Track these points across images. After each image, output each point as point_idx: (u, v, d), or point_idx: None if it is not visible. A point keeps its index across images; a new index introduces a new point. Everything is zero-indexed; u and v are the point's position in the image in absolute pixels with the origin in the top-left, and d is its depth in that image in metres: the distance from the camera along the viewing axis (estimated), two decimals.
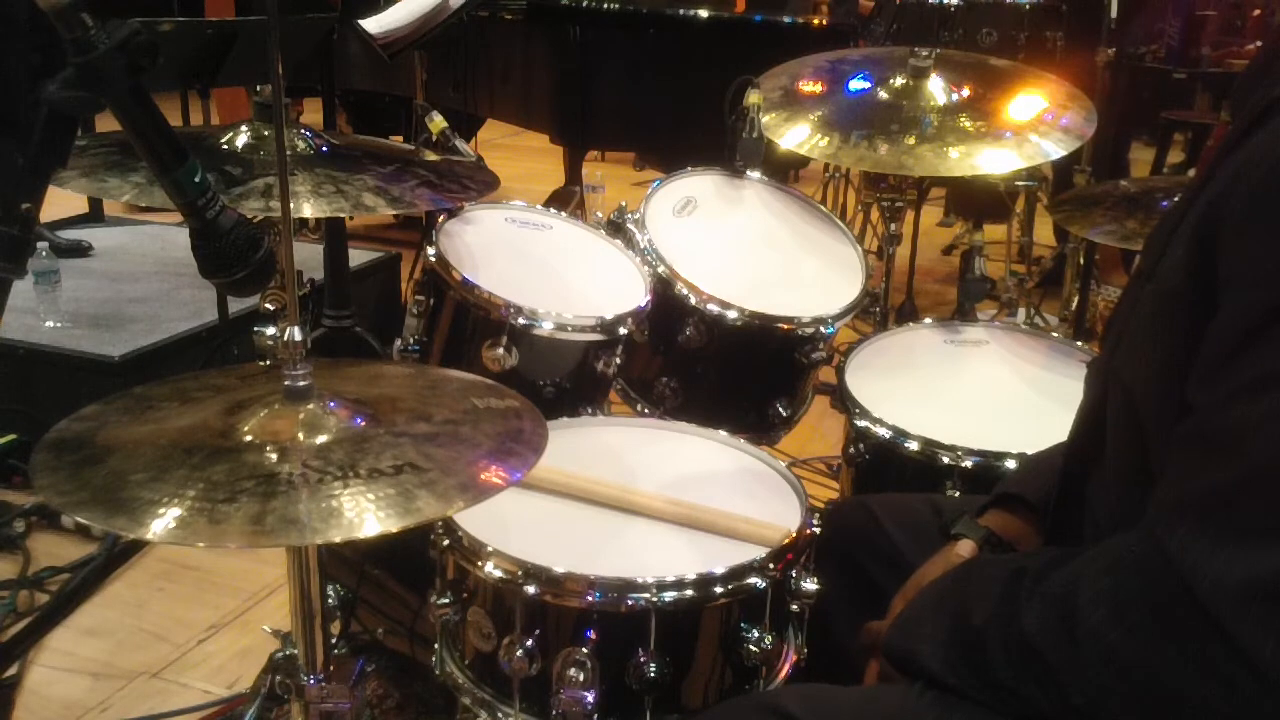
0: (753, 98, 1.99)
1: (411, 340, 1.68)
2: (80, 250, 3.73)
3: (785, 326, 1.78)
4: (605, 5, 3.58)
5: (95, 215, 4.16)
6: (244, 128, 1.56)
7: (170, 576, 2.44)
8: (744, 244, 1.98)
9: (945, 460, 1.56)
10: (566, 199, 3.94)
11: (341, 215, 1.46)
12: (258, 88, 1.61)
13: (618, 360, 1.72)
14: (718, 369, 1.83)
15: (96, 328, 3.01)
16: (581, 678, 1.17)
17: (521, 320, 1.58)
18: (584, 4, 3.57)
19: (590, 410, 1.69)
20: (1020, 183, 3.95)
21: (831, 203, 4.50)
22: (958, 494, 1.53)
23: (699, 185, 2.03)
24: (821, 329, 1.80)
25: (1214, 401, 0.83)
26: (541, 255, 1.81)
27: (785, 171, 4.05)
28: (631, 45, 3.54)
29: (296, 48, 2.80)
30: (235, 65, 2.60)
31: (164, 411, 1.08)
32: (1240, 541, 0.77)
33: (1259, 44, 3.44)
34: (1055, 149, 1.95)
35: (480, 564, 1.22)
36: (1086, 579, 0.88)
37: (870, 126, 2.04)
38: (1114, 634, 0.84)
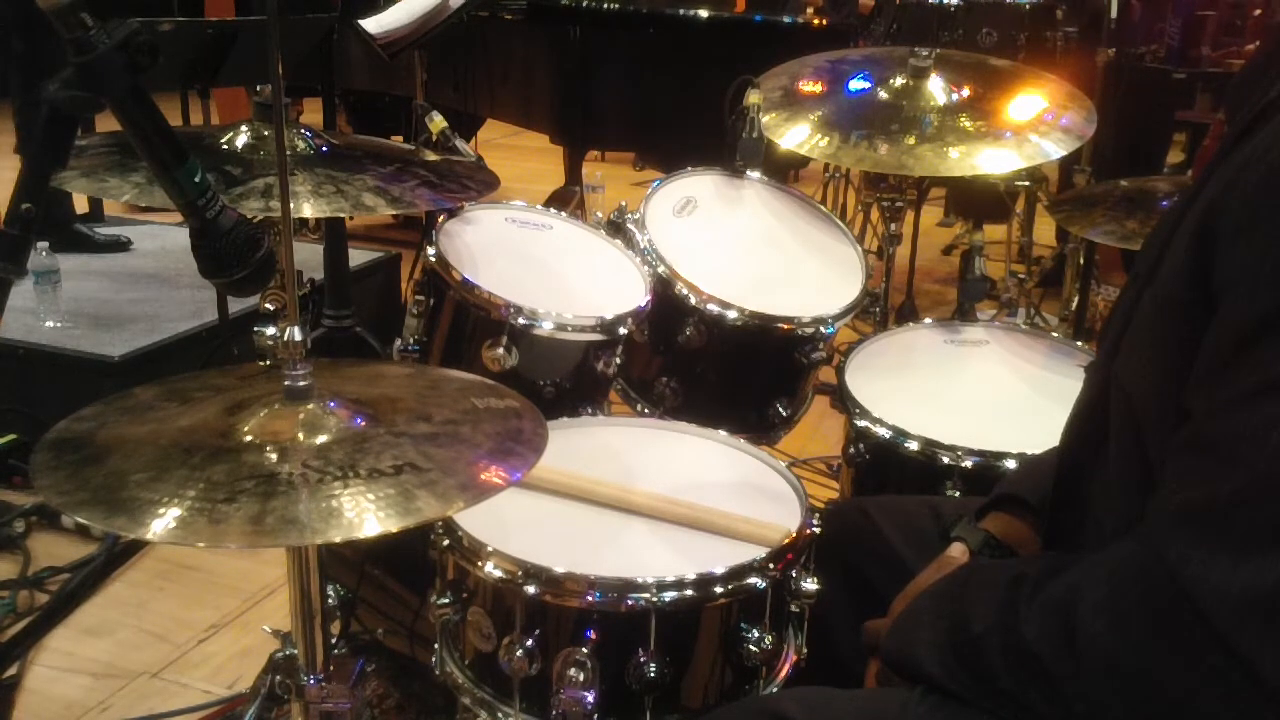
0: (753, 98, 1.99)
1: (411, 340, 1.68)
2: (120, 245, 3.74)
3: (785, 326, 1.78)
4: (605, 5, 3.58)
5: (95, 215, 4.16)
6: (244, 128, 1.56)
7: (170, 576, 2.44)
8: (744, 244, 1.98)
9: (945, 460, 1.56)
10: (566, 199, 3.94)
11: (341, 215, 1.46)
12: (258, 88, 1.61)
13: (618, 360, 1.72)
14: (718, 369, 1.83)
15: (96, 328, 3.01)
16: (581, 678, 1.17)
17: (521, 320, 1.58)
18: (584, 4, 3.57)
19: (590, 410, 1.69)
20: (1020, 183, 3.95)
21: (831, 203, 4.50)
22: (957, 494, 1.53)
23: (699, 185, 2.03)
24: (821, 329, 1.80)
25: (1212, 408, 0.82)
26: (541, 255, 1.81)
27: (785, 171, 4.05)
28: (631, 45, 3.55)
29: (296, 48, 2.80)
30: (235, 65, 2.60)
31: (164, 411, 1.08)
32: (1240, 552, 0.77)
33: (1258, 43, 3.44)
34: (1055, 149, 1.95)
35: (480, 564, 1.22)
36: (1086, 587, 0.87)
37: (870, 126, 2.04)
38: (1114, 643, 0.83)
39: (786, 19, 3.98)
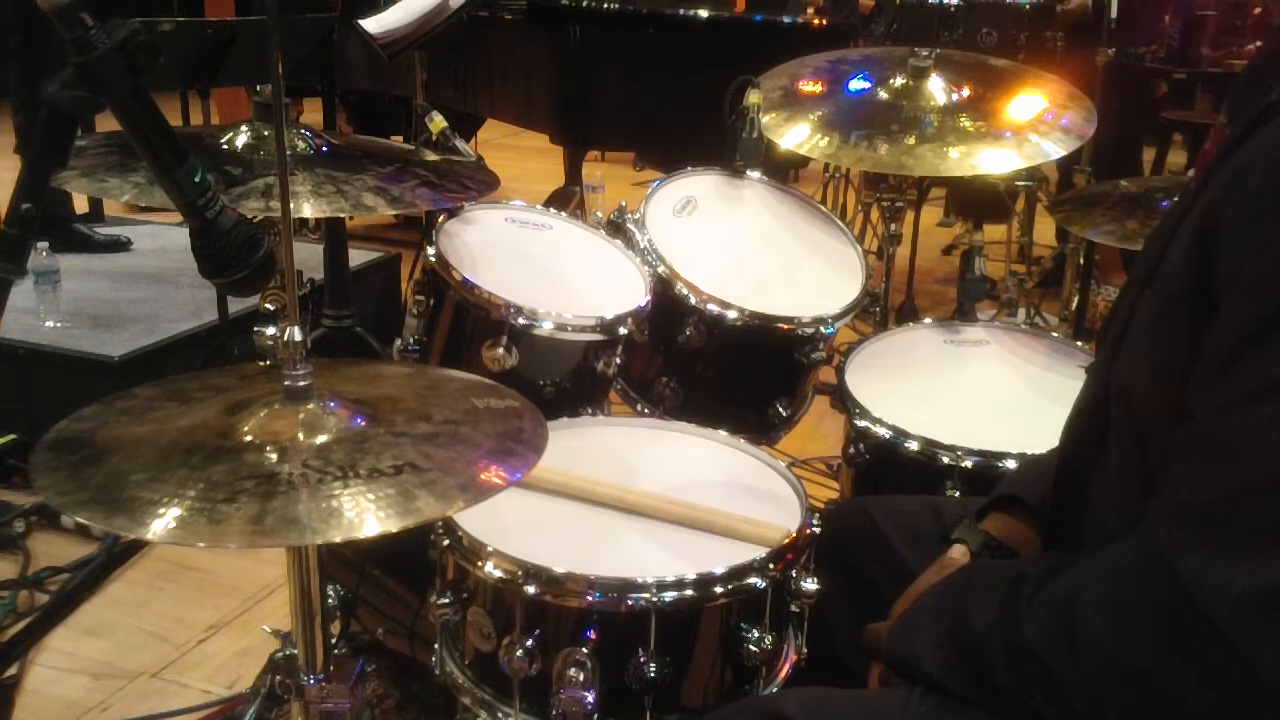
0: (753, 98, 1.99)
1: (411, 340, 1.68)
2: (120, 245, 3.74)
3: (785, 326, 1.78)
4: (605, 5, 3.58)
5: (95, 215, 4.16)
6: (244, 128, 1.56)
7: (170, 576, 2.44)
8: (744, 244, 1.98)
9: (945, 460, 1.56)
10: (566, 199, 3.94)
11: (341, 215, 1.46)
12: (258, 88, 1.61)
13: (618, 360, 1.72)
14: (718, 369, 1.83)
15: (96, 328, 3.01)
16: (581, 678, 1.17)
17: (521, 320, 1.58)
18: (584, 4, 3.57)
19: (590, 410, 1.69)
20: (1020, 183, 3.95)
21: (831, 203, 4.50)
22: (958, 494, 1.53)
23: (699, 185, 2.03)
24: (821, 329, 1.80)
25: (1212, 408, 0.82)
26: (541, 255, 1.81)
27: (785, 171, 4.04)
28: (631, 45, 3.54)
29: (296, 48, 2.80)
30: (235, 65, 2.60)
31: (164, 411, 1.08)
32: (1240, 550, 0.77)
33: (1259, 44, 3.44)
34: (1055, 149, 1.95)
35: (480, 564, 1.22)
36: (1087, 586, 0.87)
37: (870, 126, 2.04)
38: (1115, 641, 0.83)
39: (786, 19, 3.98)
